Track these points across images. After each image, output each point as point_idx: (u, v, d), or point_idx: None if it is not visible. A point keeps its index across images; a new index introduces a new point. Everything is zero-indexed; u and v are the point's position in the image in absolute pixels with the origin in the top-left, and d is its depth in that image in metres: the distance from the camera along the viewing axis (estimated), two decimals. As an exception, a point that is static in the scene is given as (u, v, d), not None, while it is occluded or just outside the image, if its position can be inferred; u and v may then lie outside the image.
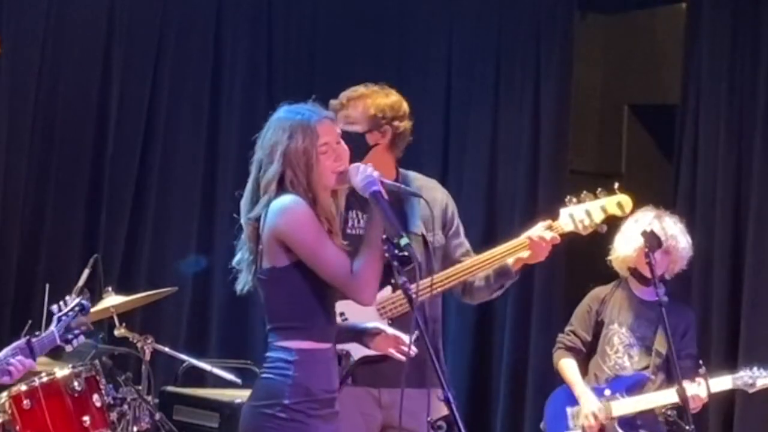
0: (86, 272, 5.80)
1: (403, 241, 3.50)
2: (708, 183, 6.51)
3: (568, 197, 4.39)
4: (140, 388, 5.48)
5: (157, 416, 5.46)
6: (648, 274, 5.36)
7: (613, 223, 4.49)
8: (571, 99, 7.12)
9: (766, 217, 6.31)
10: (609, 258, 5.55)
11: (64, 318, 4.46)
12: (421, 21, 7.52)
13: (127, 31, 7.04)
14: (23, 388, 5.01)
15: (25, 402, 5.00)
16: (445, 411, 3.49)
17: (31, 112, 6.74)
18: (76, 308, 4.54)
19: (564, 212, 4.36)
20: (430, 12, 7.49)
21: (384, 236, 3.58)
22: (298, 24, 7.67)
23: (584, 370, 5.54)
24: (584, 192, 4.36)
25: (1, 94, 6.62)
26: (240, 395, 5.64)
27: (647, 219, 5.37)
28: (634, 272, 5.47)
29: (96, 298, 5.71)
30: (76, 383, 5.09)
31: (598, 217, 4.34)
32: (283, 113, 3.77)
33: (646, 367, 5.43)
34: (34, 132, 6.75)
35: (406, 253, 3.52)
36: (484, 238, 6.60)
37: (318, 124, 3.69)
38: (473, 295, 4.49)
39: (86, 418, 5.09)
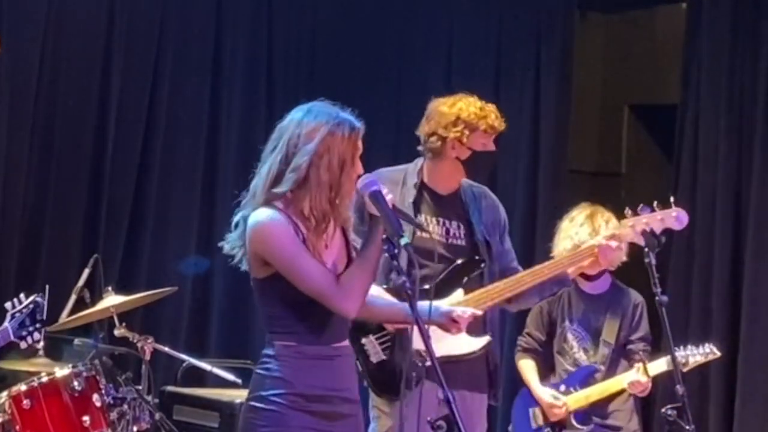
0: (86, 272, 5.81)
1: (403, 241, 3.49)
2: (708, 183, 6.52)
3: (627, 210, 4.59)
4: (140, 387, 5.47)
5: (157, 416, 5.46)
6: (589, 271, 5.40)
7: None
8: (571, 99, 7.13)
9: (766, 217, 6.31)
10: (551, 255, 5.59)
11: (18, 315, 4.51)
12: (421, 21, 7.52)
13: (127, 30, 7.04)
14: (23, 388, 5.01)
15: (25, 402, 4.99)
16: (445, 411, 3.50)
17: (31, 112, 6.73)
18: (31, 305, 4.59)
19: (624, 224, 4.61)
20: (430, 12, 7.49)
21: (384, 236, 3.57)
22: (298, 24, 7.67)
23: (551, 369, 5.58)
24: (641, 205, 4.55)
25: (1, 94, 6.62)
26: (240, 395, 5.64)
27: (580, 219, 5.40)
28: None
29: (96, 298, 5.72)
30: (76, 383, 5.09)
31: (658, 228, 4.55)
32: (325, 106, 3.67)
33: (603, 357, 5.47)
34: (34, 132, 6.74)
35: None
36: (484, 238, 6.60)
37: (360, 129, 3.65)
38: (519, 303, 4.73)
39: (86, 418, 5.08)
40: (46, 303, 4.77)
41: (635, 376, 5.27)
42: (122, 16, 7.03)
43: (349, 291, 3.57)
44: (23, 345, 4.62)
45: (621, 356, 5.44)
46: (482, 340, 4.54)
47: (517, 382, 5.85)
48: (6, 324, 4.56)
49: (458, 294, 4.49)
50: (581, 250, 4.56)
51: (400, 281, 3.51)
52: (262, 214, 3.57)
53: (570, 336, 5.52)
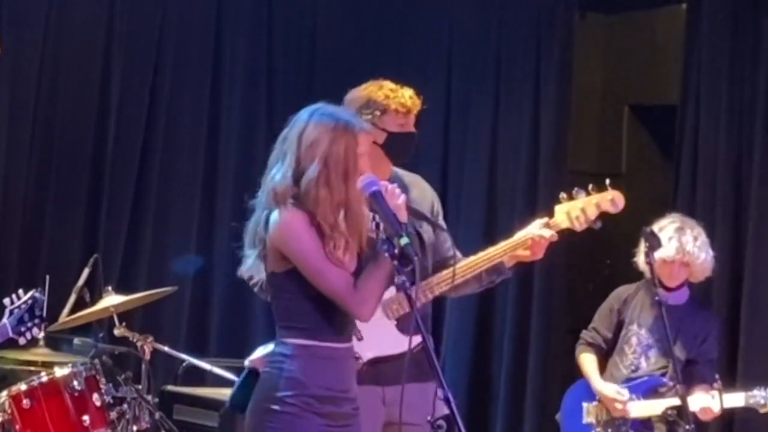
0: (86, 272, 5.81)
1: (403, 240, 3.49)
2: (708, 183, 6.51)
3: (562, 194, 4.38)
4: (140, 387, 5.47)
5: (157, 415, 5.46)
6: (669, 284, 5.36)
7: (608, 219, 4.46)
8: (571, 99, 7.13)
9: (766, 217, 6.31)
10: (633, 259, 5.55)
11: (16, 311, 4.51)
12: (421, 21, 7.52)
13: (127, 31, 7.04)
14: (23, 387, 5.01)
15: (25, 401, 5.00)
16: (445, 410, 3.49)
17: (31, 112, 6.73)
18: (29, 301, 4.59)
19: (559, 209, 4.36)
20: (430, 12, 7.49)
21: (384, 236, 3.57)
22: (298, 24, 7.67)
23: (603, 368, 5.57)
24: (575, 189, 4.35)
25: (1, 94, 6.62)
26: (240, 395, 5.64)
27: (669, 232, 5.35)
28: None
29: (96, 297, 5.72)
30: (75, 382, 5.09)
31: (593, 213, 4.33)
32: (325, 112, 3.69)
33: (662, 368, 5.44)
34: (34, 132, 6.75)
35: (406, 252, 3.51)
36: (484, 238, 6.61)
37: (360, 132, 3.67)
38: (458, 291, 4.51)
39: (86, 418, 5.08)
40: (45, 298, 4.77)
41: (708, 403, 5.18)
42: (122, 16, 7.03)
43: (365, 296, 3.61)
44: (22, 341, 4.62)
45: (686, 374, 5.37)
46: (415, 339, 4.44)
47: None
48: (5, 320, 4.57)
49: (391, 291, 4.16)
50: (514, 241, 4.40)
51: (399, 280, 3.51)
52: (285, 212, 3.60)
53: (634, 340, 5.48)
